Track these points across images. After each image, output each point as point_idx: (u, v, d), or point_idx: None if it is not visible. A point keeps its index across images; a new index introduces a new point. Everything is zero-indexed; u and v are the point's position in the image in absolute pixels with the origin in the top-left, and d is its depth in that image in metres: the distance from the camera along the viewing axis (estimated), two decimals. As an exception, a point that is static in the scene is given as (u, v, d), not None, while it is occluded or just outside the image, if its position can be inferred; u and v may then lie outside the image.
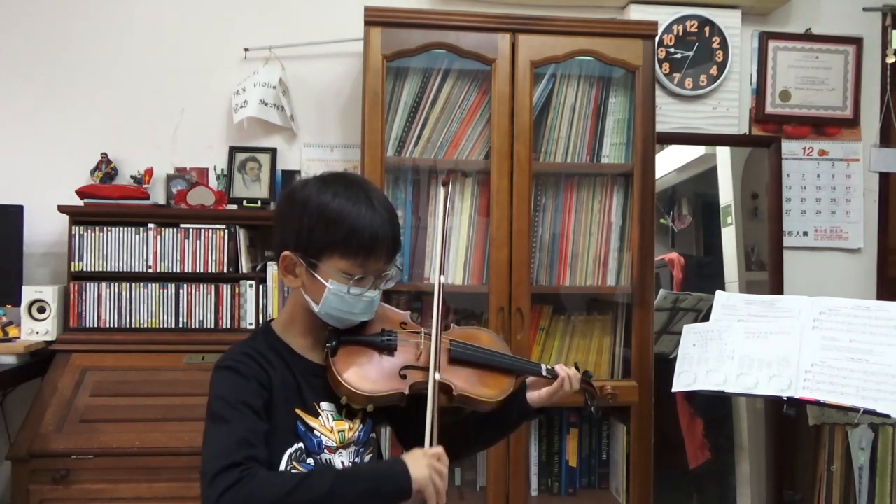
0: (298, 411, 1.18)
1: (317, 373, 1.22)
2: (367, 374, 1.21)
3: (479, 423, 1.36)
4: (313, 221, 1.16)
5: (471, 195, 2.29)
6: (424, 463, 1.10)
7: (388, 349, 1.25)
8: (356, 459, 1.23)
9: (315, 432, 1.18)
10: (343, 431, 1.21)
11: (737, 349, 1.96)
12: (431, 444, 1.15)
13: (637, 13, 2.58)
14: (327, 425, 1.20)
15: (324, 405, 1.21)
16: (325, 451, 1.19)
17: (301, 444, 1.17)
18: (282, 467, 1.15)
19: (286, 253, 1.20)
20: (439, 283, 1.28)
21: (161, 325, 2.30)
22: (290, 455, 1.16)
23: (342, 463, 1.20)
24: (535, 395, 1.33)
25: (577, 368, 1.37)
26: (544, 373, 1.34)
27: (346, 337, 1.24)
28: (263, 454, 1.09)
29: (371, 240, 1.16)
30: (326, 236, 1.16)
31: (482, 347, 1.34)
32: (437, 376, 1.20)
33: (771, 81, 2.70)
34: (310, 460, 1.18)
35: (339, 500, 1.05)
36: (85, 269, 2.28)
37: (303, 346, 1.25)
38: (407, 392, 1.22)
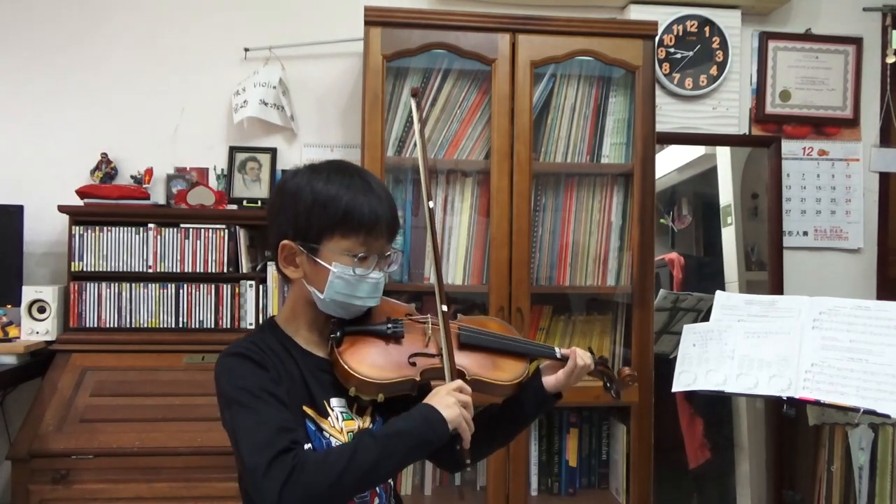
0: (307, 409, 1.14)
1: (324, 368, 1.18)
2: (375, 363, 1.17)
3: (496, 417, 1.33)
4: (309, 206, 1.14)
5: (471, 195, 2.29)
6: (451, 401, 1.11)
7: (395, 337, 1.22)
8: None
9: (324, 433, 1.14)
10: (353, 432, 1.16)
11: (737, 349, 1.96)
12: (451, 379, 1.17)
13: (637, 13, 2.58)
14: (336, 426, 1.16)
15: (334, 402, 1.17)
16: None
17: (310, 445, 1.12)
18: None
19: (285, 242, 1.16)
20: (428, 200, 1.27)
21: (161, 325, 2.29)
22: None
23: None
24: (551, 380, 1.30)
25: (591, 353, 1.34)
26: (559, 355, 1.30)
27: (351, 327, 1.20)
28: (302, 436, 1.08)
29: (371, 215, 1.14)
30: (325, 218, 1.13)
31: (492, 332, 1.32)
32: (444, 308, 1.19)
33: (771, 81, 2.70)
34: None
35: (387, 464, 1.06)
36: (85, 269, 2.28)
37: (308, 340, 1.21)
38: (418, 379, 1.18)
